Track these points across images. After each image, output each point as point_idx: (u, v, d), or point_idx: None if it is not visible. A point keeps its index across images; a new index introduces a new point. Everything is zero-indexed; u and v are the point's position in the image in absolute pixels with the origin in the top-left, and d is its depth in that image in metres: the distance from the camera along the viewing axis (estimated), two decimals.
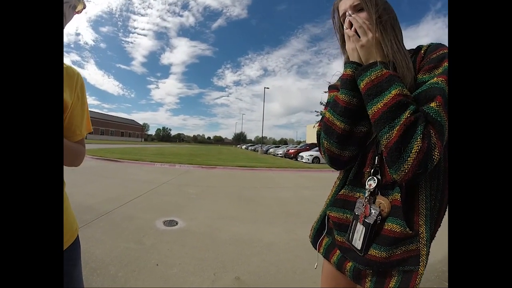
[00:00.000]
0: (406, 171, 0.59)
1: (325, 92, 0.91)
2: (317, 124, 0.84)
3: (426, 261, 0.66)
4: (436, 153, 0.58)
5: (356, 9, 0.74)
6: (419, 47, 0.75)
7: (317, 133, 0.83)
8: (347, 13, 0.75)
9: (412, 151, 0.58)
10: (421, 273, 0.65)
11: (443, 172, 0.69)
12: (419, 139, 0.57)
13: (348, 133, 0.73)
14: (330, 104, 0.78)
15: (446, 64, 0.65)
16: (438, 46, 0.71)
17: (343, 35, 0.78)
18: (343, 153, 0.75)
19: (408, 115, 0.59)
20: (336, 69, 0.90)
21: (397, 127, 0.59)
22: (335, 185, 0.88)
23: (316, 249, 0.90)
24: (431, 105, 0.60)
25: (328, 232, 0.88)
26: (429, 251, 0.67)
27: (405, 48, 0.73)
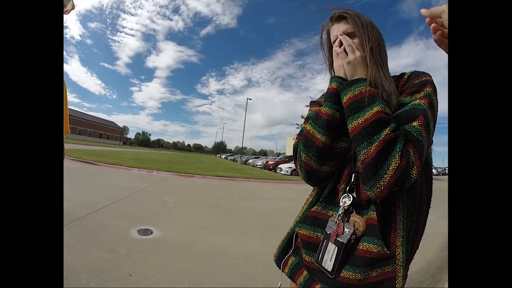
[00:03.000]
0: (382, 188, 0.58)
1: (307, 106, 0.94)
2: (296, 137, 0.83)
3: (403, 284, 0.63)
4: (414, 171, 0.57)
5: (350, 36, 0.76)
6: (403, 74, 0.77)
7: (294, 146, 0.81)
8: (338, 33, 0.77)
9: (390, 168, 0.57)
10: None
11: (419, 193, 0.68)
12: (397, 156, 0.57)
13: (329, 147, 0.71)
14: (312, 117, 0.77)
15: (428, 89, 0.67)
16: (421, 73, 0.72)
17: (332, 62, 0.81)
18: (321, 168, 0.73)
19: (388, 132, 0.59)
20: (319, 84, 0.91)
21: (376, 143, 0.59)
22: (307, 202, 0.85)
23: (280, 268, 0.86)
24: (413, 124, 0.60)
25: (294, 251, 0.83)
26: (406, 274, 0.65)
27: (389, 74, 0.76)
